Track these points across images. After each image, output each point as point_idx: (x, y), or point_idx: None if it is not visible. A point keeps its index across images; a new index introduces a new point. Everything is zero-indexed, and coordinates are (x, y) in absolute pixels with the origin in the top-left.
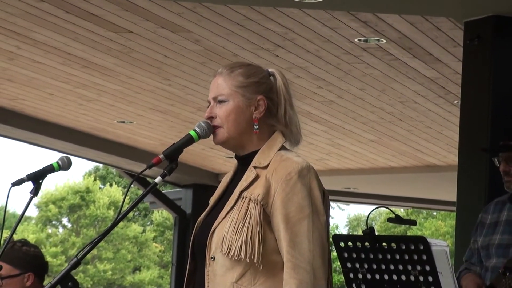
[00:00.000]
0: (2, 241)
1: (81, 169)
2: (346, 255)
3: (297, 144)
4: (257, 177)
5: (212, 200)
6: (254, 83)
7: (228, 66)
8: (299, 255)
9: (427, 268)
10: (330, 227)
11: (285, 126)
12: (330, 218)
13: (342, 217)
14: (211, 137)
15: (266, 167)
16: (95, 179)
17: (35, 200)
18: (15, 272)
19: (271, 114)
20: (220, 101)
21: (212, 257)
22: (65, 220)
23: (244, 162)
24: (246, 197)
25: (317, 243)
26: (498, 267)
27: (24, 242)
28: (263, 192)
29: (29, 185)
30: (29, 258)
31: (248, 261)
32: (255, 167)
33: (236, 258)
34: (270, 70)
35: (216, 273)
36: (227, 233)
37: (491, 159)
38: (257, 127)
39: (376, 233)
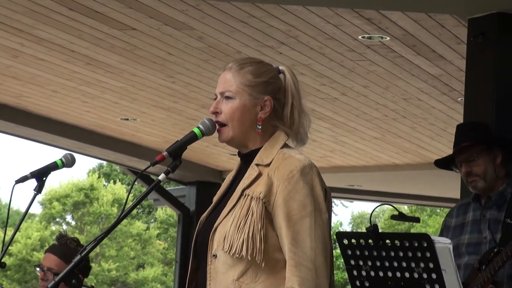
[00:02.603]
0: (6, 238)
1: (85, 166)
2: (349, 252)
3: (302, 144)
4: (259, 175)
5: (215, 199)
6: (263, 83)
7: (239, 62)
8: (301, 253)
9: (431, 265)
10: (334, 225)
11: (289, 127)
12: (333, 215)
13: (346, 214)
14: (215, 134)
15: (268, 164)
16: (99, 177)
17: (39, 197)
18: None
19: (276, 115)
20: (227, 97)
21: (214, 255)
22: (69, 218)
23: (246, 159)
24: (248, 195)
25: (319, 241)
26: (470, 264)
27: (78, 242)
28: (265, 190)
29: (33, 183)
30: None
31: (249, 258)
32: (257, 165)
33: (238, 255)
34: (280, 67)
35: (218, 271)
36: (229, 230)
37: (453, 170)
38: (260, 127)
39: (380, 230)
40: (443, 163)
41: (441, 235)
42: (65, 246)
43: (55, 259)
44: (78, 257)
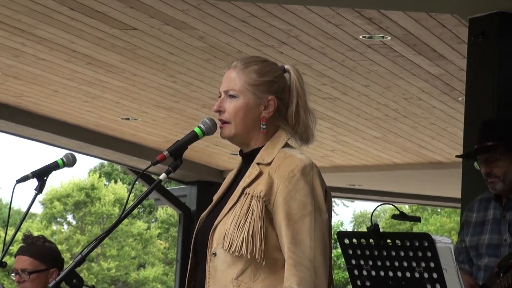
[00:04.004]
0: (7, 238)
1: (86, 166)
2: (350, 252)
3: (307, 143)
4: (260, 174)
5: (215, 197)
6: (267, 82)
7: (244, 61)
8: (301, 252)
9: (432, 264)
10: (335, 224)
11: (293, 127)
12: (334, 215)
13: (347, 214)
14: (216, 134)
15: (269, 163)
16: (100, 176)
17: (40, 197)
18: (42, 267)
19: (279, 115)
20: (231, 96)
21: (213, 253)
22: (70, 217)
23: (248, 159)
24: (249, 194)
25: (319, 240)
26: (490, 266)
27: (44, 238)
28: (266, 189)
29: (34, 182)
30: (53, 254)
31: (249, 257)
32: (258, 164)
33: (237, 254)
34: (286, 66)
35: (217, 269)
36: (229, 229)
37: (473, 164)
38: (264, 126)
39: (381, 230)
40: (465, 156)
41: (461, 230)
42: (32, 245)
43: (27, 259)
44: (79, 256)
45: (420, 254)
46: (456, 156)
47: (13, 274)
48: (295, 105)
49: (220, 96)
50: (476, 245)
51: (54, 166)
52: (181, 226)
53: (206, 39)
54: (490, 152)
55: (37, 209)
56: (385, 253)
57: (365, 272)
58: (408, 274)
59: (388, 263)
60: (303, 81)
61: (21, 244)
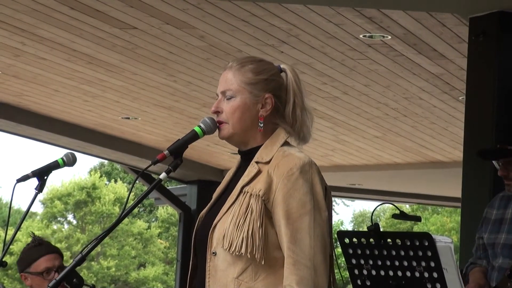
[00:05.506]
0: (7, 237)
1: (86, 165)
2: (351, 251)
3: (304, 142)
4: (259, 172)
5: (214, 195)
6: (263, 81)
7: (239, 61)
8: (300, 251)
9: (432, 264)
10: (335, 224)
11: (291, 125)
12: (335, 214)
13: (347, 213)
14: (216, 133)
15: (268, 162)
16: (100, 175)
17: (40, 196)
18: None
19: (277, 113)
20: (228, 96)
21: (213, 252)
22: (70, 217)
23: (246, 157)
24: (248, 192)
25: (319, 239)
26: (504, 267)
27: None
28: (265, 187)
29: (34, 181)
30: None
31: (249, 256)
32: (257, 162)
33: (238, 253)
34: (282, 66)
35: (217, 268)
36: (228, 228)
37: (492, 161)
38: (262, 125)
39: (381, 229)
40: (483, 154)
41: (480, 226)
42: (51, 244)
43: (59, 257)
44: (79, 255)
45: (420, 253)
46: (477, 153)
47: (45, 273)
48: (292, 104)
49: (217, 98)
50: (492, 244)
51: (55, 165)
52: (181, 225)
53: (206, 38)
54: (509, 155)
55: (38, 208)
56: (385, 253)
57: (365, 272)
58: (408, 274)
59: (388, 263)
60: (299, 80)
61: (38, 244)
